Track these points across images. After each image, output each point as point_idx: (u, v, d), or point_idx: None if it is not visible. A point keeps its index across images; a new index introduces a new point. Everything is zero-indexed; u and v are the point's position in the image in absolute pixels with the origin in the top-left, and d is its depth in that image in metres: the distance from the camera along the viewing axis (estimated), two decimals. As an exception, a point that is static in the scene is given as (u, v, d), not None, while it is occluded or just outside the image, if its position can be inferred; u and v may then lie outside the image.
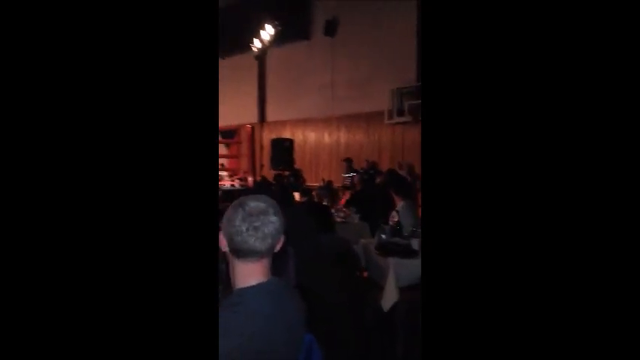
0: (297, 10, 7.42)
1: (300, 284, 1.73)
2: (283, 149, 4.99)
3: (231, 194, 3.75)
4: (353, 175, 5.26)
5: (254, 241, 0.79)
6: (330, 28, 6.91)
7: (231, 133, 7.93)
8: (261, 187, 4.86)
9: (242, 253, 0.81)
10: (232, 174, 7.01)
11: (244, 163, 6.48)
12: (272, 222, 0.81)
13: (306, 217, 2.36)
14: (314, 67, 7.33)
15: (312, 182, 5.48)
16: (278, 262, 1.56)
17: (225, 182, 6.46)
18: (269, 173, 5.89)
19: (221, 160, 7.97)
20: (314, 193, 3.87)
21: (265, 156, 5.17)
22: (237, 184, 6.15)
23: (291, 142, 5.22)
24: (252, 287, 0.82)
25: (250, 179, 5.93)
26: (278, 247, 0.86)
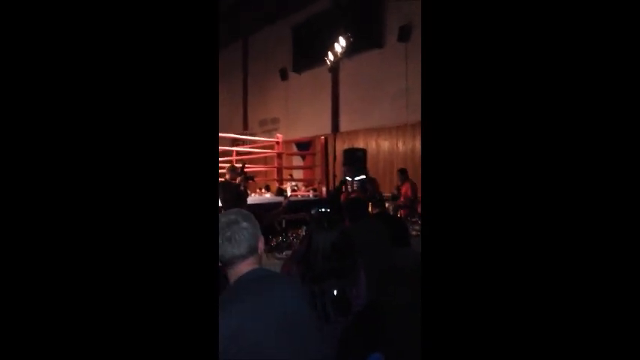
0: (370, 19, 7.41)
1: (372, 300, 1.66)
2: (355, 159, 4.94)
3: (306, 204, 3.85)
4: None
5: (231, 249, 0.91)
6: (404, 34, 6.74)
7: (306, 145, 8.18)
8: (333, 198, 4.87)
9: (227, 262, 0.93)
10: (307, 184, 7.19)
11: (318, 174, 6.60)
12: (244, 228, 0.92)
13: (380, 230, 2.27)
14: (387, 74, 7.21)
15: (386, 192, 5.33)
16: (350, 277, 1.52)
17: (300, 193, 6.66)
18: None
19: (297, 172, 8.26)
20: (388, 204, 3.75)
21: (338, 166, 5.19)
22: (311, 194, 6.29)
23: (363, 151, 5.13)
24: (239, 278, 0.93)
25: (324, 189, 6.00)
26: (261, 246, 0.97)
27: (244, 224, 0.93)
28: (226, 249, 0.91)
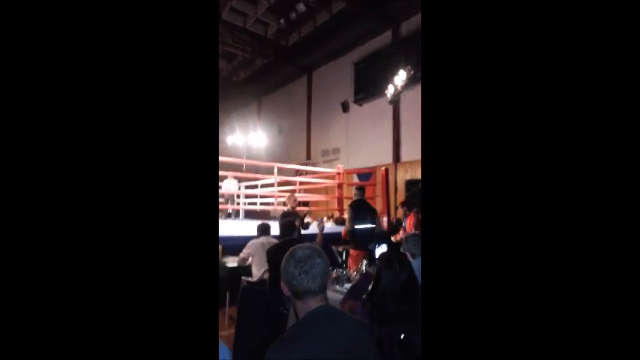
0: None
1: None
2: (418, 190, 4.86)
3: (367, 235, 3.89)
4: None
5: (307, 282, 0.95)
6: (467, 63, 6.61)
7: (367, 176, 8.22)
8: (395, 229, 4.81)
9: (300, 294, 0.96)
10: (367, 214, 7.15)
11: (379, 205, 6.57)
12: (318, 264, 0.96)
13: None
14: (450, 103, 7.06)
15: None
16: (416, 320, 1.51)
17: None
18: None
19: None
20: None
21: (400, 197, 5.13)
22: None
23: (425, 183, 5.03)
24: (308, 313, 0.96)
25: (385, 220, 5.93)
26: (328, 284, 1.02)
27: (318, 260, 0.97)
28: (302, 282, 0.95)
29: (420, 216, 4.84)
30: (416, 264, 2.15)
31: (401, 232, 4.83)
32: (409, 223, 4.75)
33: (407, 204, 4.44)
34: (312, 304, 0.97)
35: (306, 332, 0.94)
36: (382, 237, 3.55)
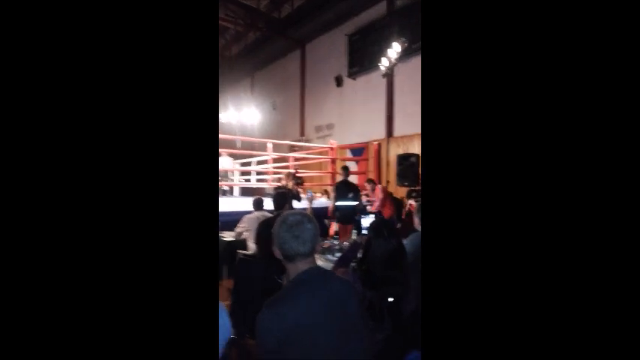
0: (425, 23, 7.25)
1: (419, 306, 1.71)
2: (409, 165, 4.92)
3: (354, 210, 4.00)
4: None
5: (297, 246, 1.01)
6: (461, 35, 6.50)
7: (360, 151, 8.24)
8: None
9: (290, 257, 1.03)
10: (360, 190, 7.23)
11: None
12: (309, 229, 1.03)
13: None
14: (444, 77, 6.98)
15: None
16: (403, 284, 1.60)
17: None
18: (397, 189, 5.89)
19: (353, 177, 8.31)
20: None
21: (392, 172, 5.19)
22: (364, 200, 6.34)
23: (417, 157, 5.09)
24: (299, 274, 1.03)
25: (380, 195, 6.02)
26: (318, 248, 1.07)
27: (309, 225, 1.04)
28: (292, 245, 1.01)
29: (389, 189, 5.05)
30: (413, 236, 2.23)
31: (373, 199, 5.08)
32: (377, 195, 5.01)
33: (398, 175, 4.61)
34: (302, 265, 1.03)
35: (297, 291, 1.00)
36: (363, 211, 3.78)
